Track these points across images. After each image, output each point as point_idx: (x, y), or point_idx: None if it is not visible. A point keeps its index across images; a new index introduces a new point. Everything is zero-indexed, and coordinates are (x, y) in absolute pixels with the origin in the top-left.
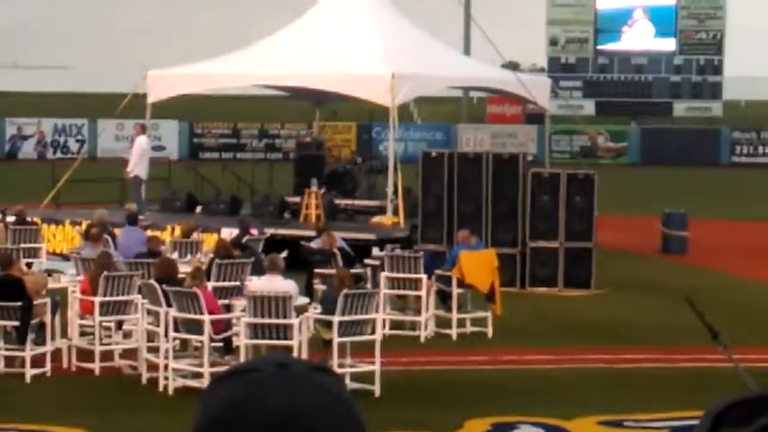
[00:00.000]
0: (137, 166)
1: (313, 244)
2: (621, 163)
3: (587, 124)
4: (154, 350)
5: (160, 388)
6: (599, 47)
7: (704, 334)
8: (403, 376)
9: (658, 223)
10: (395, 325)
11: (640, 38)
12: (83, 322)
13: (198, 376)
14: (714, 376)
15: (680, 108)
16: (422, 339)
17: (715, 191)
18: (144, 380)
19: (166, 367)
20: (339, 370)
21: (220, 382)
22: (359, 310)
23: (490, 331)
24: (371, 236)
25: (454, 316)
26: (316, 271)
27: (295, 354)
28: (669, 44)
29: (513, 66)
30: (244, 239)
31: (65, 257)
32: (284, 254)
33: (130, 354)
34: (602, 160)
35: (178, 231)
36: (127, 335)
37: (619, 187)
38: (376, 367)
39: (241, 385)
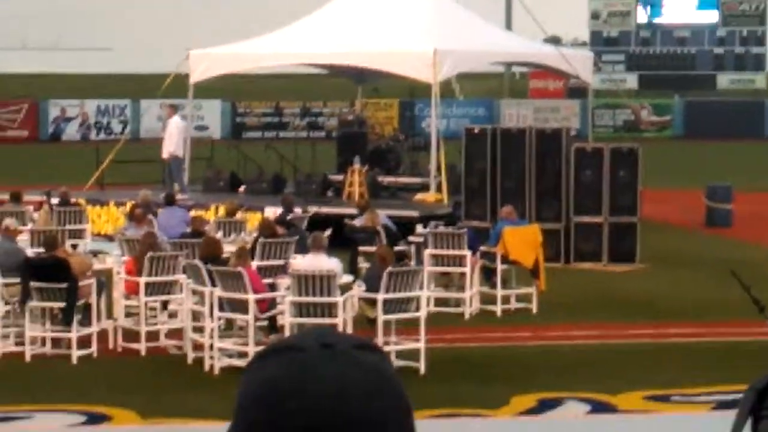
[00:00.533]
0: (177, 147)
1: (357, 222)
2: (665, 137)
3: (630, 98)
4: (199, 330)
5: (206, 368)
6: (641, 20)
7: (751, 308)
8: (448, 354)
9: (703, 197)
10: (440, 302)
11: (682, 10)
12: (128, 302)
13: (243, 355)
14: (761, 350)
15: (724, 80)
16: (467, 316)
17: (759, 164)
18: (190, 360)
19: (211, 346)
20: (384, 348)
21: (263, 360)
22: (403, 288)
23: (534, 306)
24: (415, 213)
25: (499, 292)
26: (360, 249)
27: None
28: (712, 16)
29: (555, 40)
30: (289, 218)
31: (110, 238)
32: (328, 232)
33: (175, 334)
34: (646, 133)
35: (222, 210)
36: (173, 315)
37: (663, 160)
38: (421, 345)
39: (284, 364)
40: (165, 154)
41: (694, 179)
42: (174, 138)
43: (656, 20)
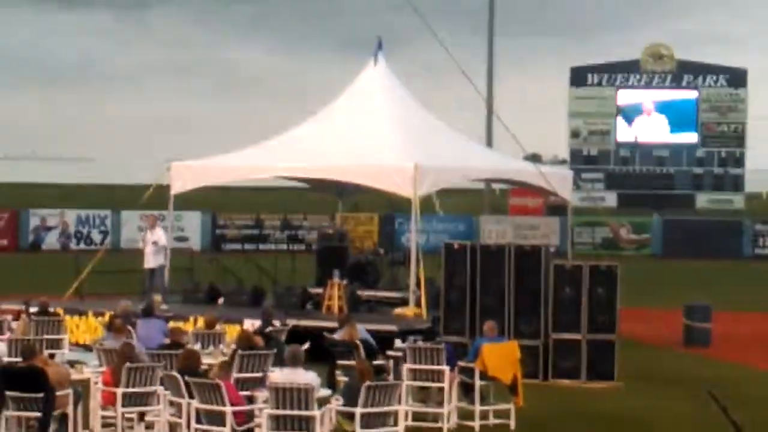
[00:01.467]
0: (162, 257)
1: (336, 336)
2: (644, 255)
3: (609, 216)
4: None
5: None
6: (621, 139)
7: (728, 429)
8: None
9: (681, 316)
10: (418, 416)
11: (661, 131)
12: (105, 413)
13: None
14: None
15: (702, 200)
16: (445, 431)
17: (737, 283)
18: None
19: None
20: None
21: None
22: (381, 402)
23: (513, 423)
24: (393, 327)
25: (477, 408)
26: (339, 362)
27: None
28: (691, 137)
29: (535, 158)
30: (267, 329)
31: (88, 348)
32: (306, 345)
33: None
34: (625, 251)
35: (201, 322)
36: (150, 426)
37: (641, 278)
38: None
39: None
40: (152, 264)
41: (672, 298)
42: (161, 249)
43: (635, 140)
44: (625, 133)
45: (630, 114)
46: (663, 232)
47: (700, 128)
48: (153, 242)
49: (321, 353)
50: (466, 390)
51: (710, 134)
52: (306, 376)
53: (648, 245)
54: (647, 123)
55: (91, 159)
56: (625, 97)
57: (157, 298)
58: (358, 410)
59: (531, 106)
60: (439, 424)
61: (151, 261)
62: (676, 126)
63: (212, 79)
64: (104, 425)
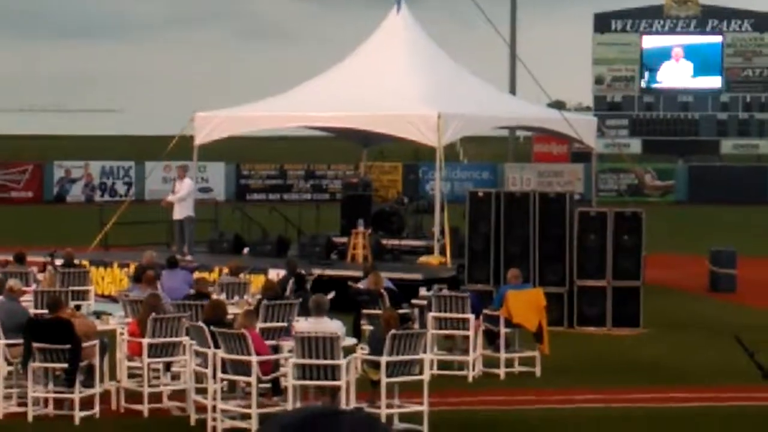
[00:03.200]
0: (190, 208)
1: (361, 285)
2: (668, 201)
3: (634, 163)
4: (202, 392)
5: (209, 430)
6: (645, 85)
7: (755, 373)
8: (451, 417)
9: (706, 262)
10: (443, 365)
11: (685, 76)
12: (132, 363)
13: (246, 417)
14: (765, 414)
15: (727, 145)
16: (470, 379)
17: (762, 229)
18: (192, 422)
19: (214, 408)
20: (387, 411)
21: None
22: (407, 351)
23: (538, 370)
24: (418, 276)
25: (502, 355)
26: (364, 311)
27: (343, 394)
28: (715, 82)
29: (559, 105)
30: (291, 281)
31: (114, 299)
32: (331, 295)
33: (178, 396)
34: (649, 198)
35: (226, 270)
36: (176, 377)
37: (666, 225)
38: (425, 408)
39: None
40: (178, 215)
41: (697, 244)
42: (189, 199)
43: (659, 85)
44: (649, 78)
45: (657, 59)
46: (688, 178)
47: (724, 73)
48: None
49: (346, 302)
50: (491, 338)
51: (735, 79)
52: (331, 325)
53: (673, 191)
54: (674, 68)
55: (114, 110)
56: (649, 42)
57: (185, 248)
58: (384, 359)
59: (555, 53)
60: (464, 372)
61: (177, 212)
62: (700, 71)
63: (240, 27)
64: (130, 376)
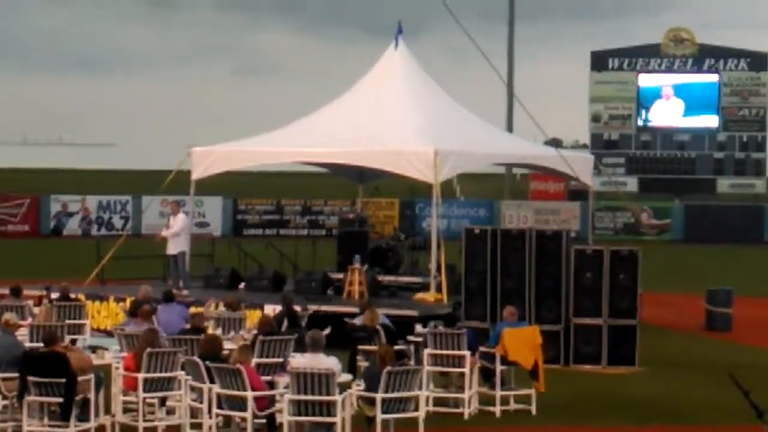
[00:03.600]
0: (185, 243)
1: (356, 321)
2: (664, 240)
3: (630, 201)
4: (197, 427)
5: None
6: (641, 124)
7: (750, 413)
8: None
9: (702, 301)
10: (438, 402)
11: (672, 115)
12: (127, 398)
13: None
14: None
15: (724, 184)
16: (466, 416)
17: (759, 268)
18: None
19: None
20: None
21: None
22: (402, 387)
23: (534, 408)
24: (414, 313)
25: (498, 393)
26: (360, 347)
27: (338, 431)
28: (711, 121)
29: (556, 143)
30: (290, 315)
31: (109, 334)
32: (327, 331)
33: (173, 431)
34: (646, 236)
35: (221, 306)
36: (171, 411)
37: (662, 264)
38: None
39: None
40: (173, 250)
41: (693, 283)
42: (184, 234)
43: (656, 124)
44: (644, 117)
45: (650, 97)
46: (684, 217)
47: (721, 112)
48: (177, 228)
49: (342, 338)
50: (487, 375)
51: (731, 118)
52: (327, 361)
53: (669, 230)
54: (665, 107)
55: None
56: (646, 81)
57: (181, 283)
58: (379, 395)
59: (552, 90)
60: (460, 410)
61: (171, 247)
62: (696, 110)
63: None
64: (125, 410)
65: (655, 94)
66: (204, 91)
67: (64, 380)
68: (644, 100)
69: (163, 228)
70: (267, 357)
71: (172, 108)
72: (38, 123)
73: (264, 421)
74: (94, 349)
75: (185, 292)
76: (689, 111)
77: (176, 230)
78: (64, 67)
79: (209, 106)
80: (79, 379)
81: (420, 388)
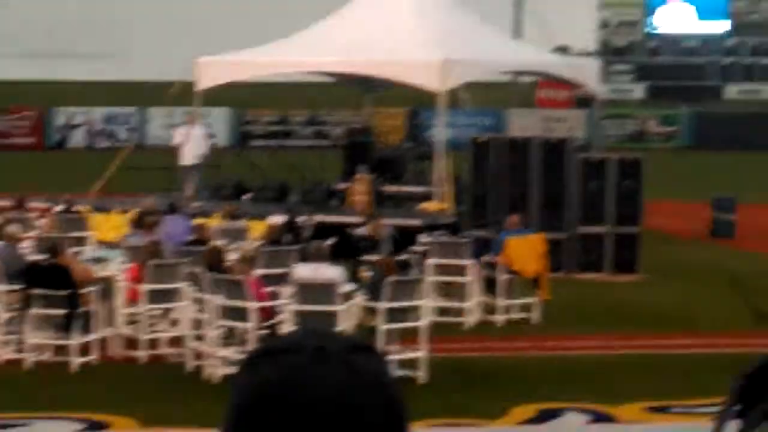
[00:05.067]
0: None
1: (361, 231)
2: (672, 147)
3: (637, 108)
4: (200, 338)
5: (207, 377)
6: (649, 30)
7: (752, 316)
8: (448, 363)
9: (708, 208)
10: (441, 311)
11: (692, 20)
12: (130, 310)
13: None
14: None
15: (732, 91)
16: (468, 325)
17: (766, 176)
18: (190, 368)
19: (212, 355)
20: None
21: (253, 364)
22: (405, 297)
23: (536, 316)
24: (418, 222)
25: (501, 302)
26: (363, 257)
27: None
28: (722, 26)
29: (563, 50)
30: (289, 228)
31: (114, 245)
32: (331, 241)
33: (176, 342)
34: (653, 144)
35: (223, 215)
36: (174, 323)
37: (669, 171)
38: (422, 354)
39: (275, 368)
40: (194, 160)
41: (699, 190)
42: (202, 145)
43: (664, 30)
44: (650, 23)
45: (656, 3)
46: (692, 123)
47: (731, 17)
48: (195, 140)
49: (346, 248)
50: (490, 284)
51: (741, 23)
52: (330, 272)
53: (676, 137)
54: (674, 11)
55: (115, 55)
56: None
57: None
58: (383, 305)
59: None
60: (462, 319)
61: (189, 158)
62: (706, 14)
63: None
64: (129, 322)
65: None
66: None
67: (67, 292)
68: (650, 4)
69: (174, 138)
70: (270, 268)
71: (176, 18)
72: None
73: (267, 332)
74: (97, 260)
75: (197, 203)
76: (700, 15)
77: (196, 141)
78: None
79: (214, 16)
80: (83, 291)
81: (423, 298)
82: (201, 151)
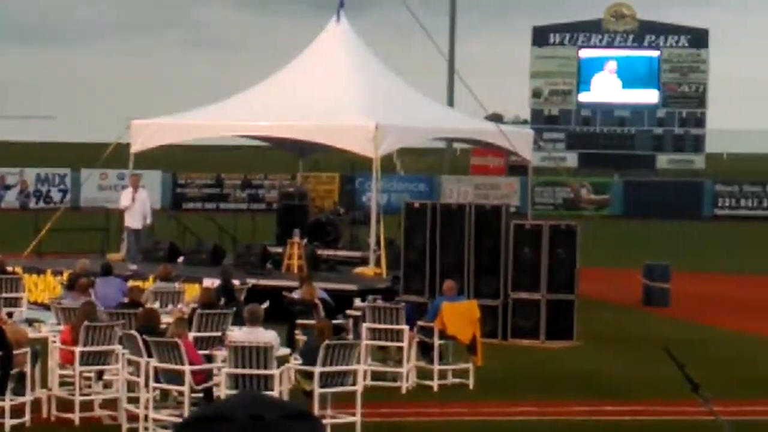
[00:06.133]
0: (145, 217)
1: (295, 295)
2: (604, 215)
3: (570, 176)
4: (134, 401)
5: None
6: (582, 99)
7: (685, 387)
8: (384, 428)
9: (640, 276)
10: (377, 376)
11: (621, 90)
12: (64, 371)
13: None
14: (694, 428)
15: (663, 160)
16: (404, 390)
17: (697, 244)
18: (125, 431)
19: (146, 417)
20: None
21: (189, 430)
22: (340, 361)
23: (471, 382)
24: (353, 287)
25: (436, 367)
26: (298, 321)
27: None
28: (651, 96)
29: (496, 118)
30: (224, 291)
31: (46, 307)
32: (266, 304)
33: (110, 404)
34: (585, 212)
35: (157, 277)
36: (108, 385)
37: (601, 239)
38: (357, 419)
39: None
40: (136, 224)
41: (632, 258)
42: (145, 208)
43: (595, 99)
44: (586, 93)
45: (590, 70)
46: (624, 192)
47: (661, 88)
48: (141, 203)
49: (280, 312)
50: (425, 349)
51: (671, 94)
52: (266, 335)
53: (608, 205)
54: (606, 81)
55: (50, 117)
56: (587, 56)
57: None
58: (318, 369)
59: (493, 66)
60: (398, 384)
61: (132, 221)
62: (636, 84)
63: (179, 37)
64: (62, 384)
65: (597, 68)
66: (145, 63)
67: (0, 353)
68: (583, 73)
69: (122, 201)
70: (205, 331)
71: (112, 80)
72: None
73: (201, 395)
74: (30, 322)
75: (134, 267)
76: (628, 85)
77: (149, 204)
78: (2, 38)
79: (150, 79)
80: (15, 352)
81: (358, 362)
82: (146, 214)
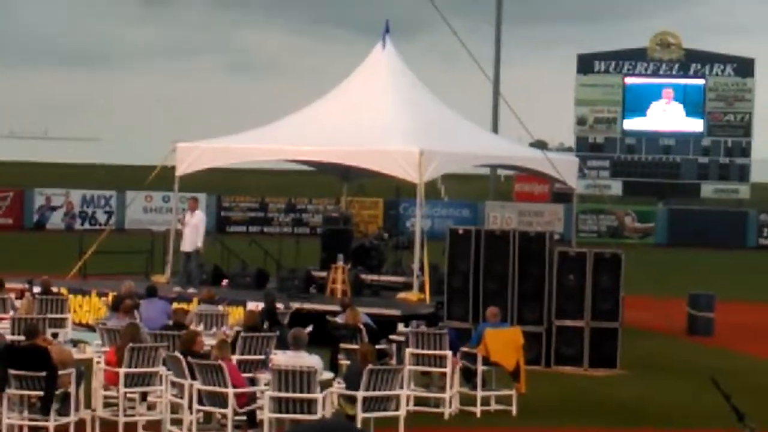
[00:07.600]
0: (201, 239)
1: (338, 319)
2: (648, 244)
3: (614, 204)
4: (177, 422)
5: None
6: (627, 127)
7: (731, 416)
8: None
9: (685, 305)
10: (419, 401)
11: (669, 119)
12: (107, 393)
13: None
14: None
15: (708, 189)
16: (446, 416)
17: (741, 273)
18: None
19: None
20: None
21: None
22: (383, 386)
23: (514, 409)
24: (396, 312)
25: (479, 393)
26: (341, 346)
27: None
28: (697, 125)
29: (541, 145)
30: (267, 315)
31: (91, 328)
32: (309, 329)
33: (153, 426)
34: (629, 240)
35: (201, 300)
36: (151, 407)
37: (645, 267)
38: None
39: None
40: (190, 247)
41: (676, 287)
42: (200, 231)
43: (641, 128)
44: (631, 120)
45: (644, 98)
46: (668, 221)
47: (706, 117)
48: (194, 225)
49: (324, 337)
50: (468, 375)
51: (716, 123)
52: (309, 359)
53: (652, 234)
54: (663, 109)
55: (97, 139)
56: (632, 80)
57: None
58: (360, 393)
59: (538, 92)
60: (440, 410)
61: (188, 244)
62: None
63: (224, 61)
64: (106, 405)
65: (652, 95)
66: (191, 86)
67: (44, 374)
68: (634, 100)
69: (179, 223)
70: (248, 354)
71: (159, 103)
72: (23, 116)
73: (244, 417)
74: (75, 343)
75: (192, 290)
76: (676, 113)
77: (204, 227)
78: (51, 62)
79: (196, 102)
80: (60, 372)
81: (401, 387)
82: (196, 238)
